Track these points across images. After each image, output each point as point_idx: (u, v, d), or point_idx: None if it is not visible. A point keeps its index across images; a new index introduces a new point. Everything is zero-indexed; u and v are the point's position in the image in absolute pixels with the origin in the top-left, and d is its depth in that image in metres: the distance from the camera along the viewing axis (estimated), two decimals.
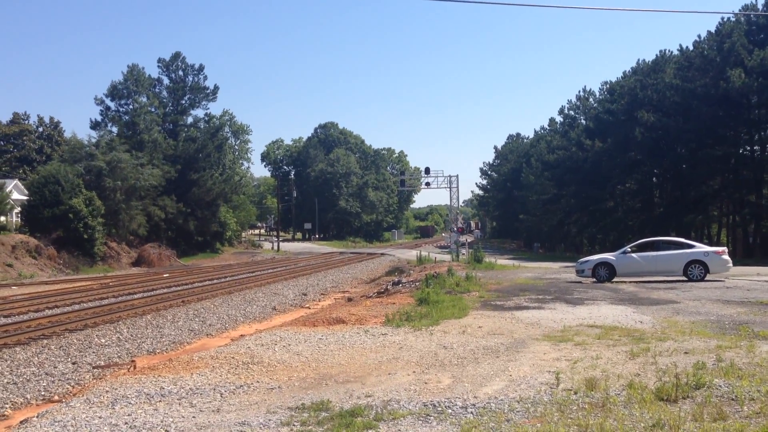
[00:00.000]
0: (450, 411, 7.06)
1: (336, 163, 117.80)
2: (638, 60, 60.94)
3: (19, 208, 49.92)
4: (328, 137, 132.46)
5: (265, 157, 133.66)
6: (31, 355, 14.26)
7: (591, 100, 68.68)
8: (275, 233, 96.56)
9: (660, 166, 53.99)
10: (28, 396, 11.43)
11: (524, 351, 10.45)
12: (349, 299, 25.16)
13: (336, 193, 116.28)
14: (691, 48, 52.08)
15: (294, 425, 6.78)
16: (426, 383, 8.52)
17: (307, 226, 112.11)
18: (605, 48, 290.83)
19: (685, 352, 9.74)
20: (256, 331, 16.32)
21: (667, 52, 56.96)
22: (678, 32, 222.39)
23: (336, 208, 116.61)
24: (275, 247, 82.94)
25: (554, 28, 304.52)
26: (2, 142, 76.07)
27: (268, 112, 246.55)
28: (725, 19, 48.90)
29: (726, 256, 23.42)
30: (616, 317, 13.95)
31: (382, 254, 66.57)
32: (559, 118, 76.55)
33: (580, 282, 23.56)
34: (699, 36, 52.96)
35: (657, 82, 52.57)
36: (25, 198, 49.15)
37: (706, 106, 45.87)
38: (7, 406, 10.83)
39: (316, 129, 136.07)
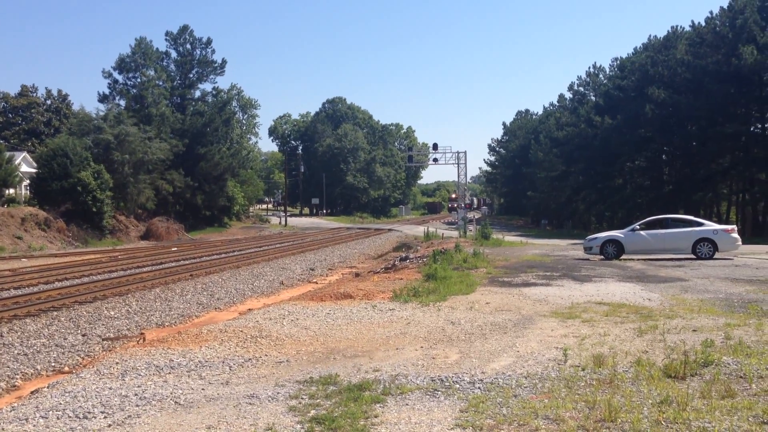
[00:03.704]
0: (458, 386, 7.09)
1: (344, 139, 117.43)
2: (649, 36, 60.54)
3: (28, 181, 50.03)
4: (336, 112, 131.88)
5: (272, 132, 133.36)
6: (41, 326, 14.38)
7: (601, 76, 68.15)
8: (283, 208, 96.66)
9: (670, 143, 53.60)
10: (39, 367, 11.53)
11: (532, 327, 10.46)
12: (357, 274, 25.22)
13: (343, 169, 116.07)
14: (703, 24, 51.43)
15: (302, 398, 6.82)
16: (434, 358, 8.55)
17: (315, 201, 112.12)
18: (616, 24, 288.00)
19: (694, 330, 9.74)
20: (264, 306, 16.40)
21: (678, 28, 56.41)
22: (690, 8, 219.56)
23: (343, 183, 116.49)
24: (283, 222, 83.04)
25: (565, 3, 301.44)
26: (10, 115, 76.05)
27: (275, 87, 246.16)
28: None
29: (735, 234, 23.31)
30: (624, 294, 13.94)
31: (390, 230, 66.59)
32: (568, 95, 76.10)
33: (588, 259, 23.54)
34: (711, 12, 52.36)
35: (668, 58, 52.04)
36: (34, 170, 49.25)
37: (717, 83, 45.42)
38: (17, 376, 10.94)
39: (324, 104, 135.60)
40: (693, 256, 22.57)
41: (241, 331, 11.06)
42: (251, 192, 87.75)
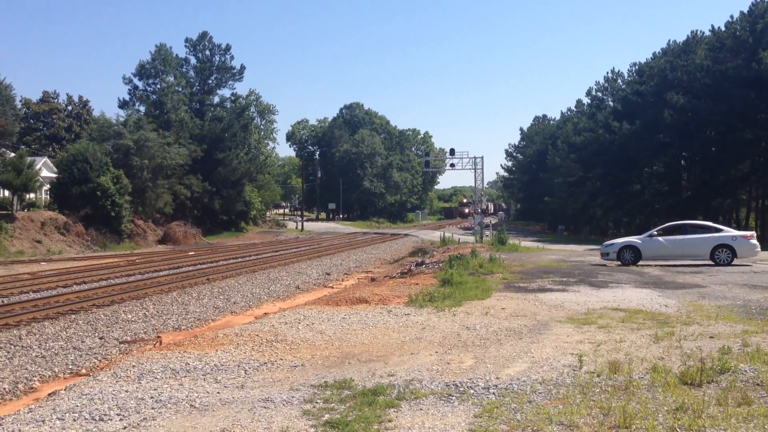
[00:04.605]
0: (472, 391, 7.08)
1: (361, 144, 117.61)
2: (669, 41, 60.02)
3: (48, 186, 50.52)
4: (353, 118, 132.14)
5: (290, 137, 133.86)
6: (59, 329, 14.51)
7: (619, 81, 67.77)
8: (299, 213, 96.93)
9: (689, 149, 53.20)
10: (56, 369, 11.64)
11: (547, 333, 10.42)
12: (372, 279, 25.24)
13: (360, 174, 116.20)
14: (723, 29, 51.06)
15: (317, 403, 6.84)
16: (448, 364, 8.54)
17: (331, 206, 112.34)
18: (635, 29, 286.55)
19: (711, 337, 9.66)
20: (280, 310, 16.47)
21: (698, 32, 55.99)
22: (710, 13, 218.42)
23: (360, 188, 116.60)
24: (299, 227, 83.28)
25: (584, 8, 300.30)
26: (32, 121, 76.95)
27: (293, 93, 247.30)
28: (758, 0, 47.88)
29: (754, 241, 23.09)
30: (641, 301, 13.85)
31: (406, 235, 66.59)
32: (586, 100, 75.74)
33: (605, 265, 23.40)
34: (731, 17, 51.96)
35: (687, 63, 51.68)
36: (54, 175, 49.75)
37: (737, 88, 45.02)
38: (35, 378, 11.05)
39: (341, 109, 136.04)
40: (711, 263, 22.37)
41: (257, 335, 11.10)
42: (268, 197, 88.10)
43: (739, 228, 39.54)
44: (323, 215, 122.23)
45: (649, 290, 15.77)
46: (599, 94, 71.42)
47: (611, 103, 66.69)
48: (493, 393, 6.98)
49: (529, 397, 6.76)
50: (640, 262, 23.06)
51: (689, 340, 9.36)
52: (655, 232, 23.83)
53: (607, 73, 71.21)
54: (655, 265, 22.62)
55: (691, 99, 48.78)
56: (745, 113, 45.78)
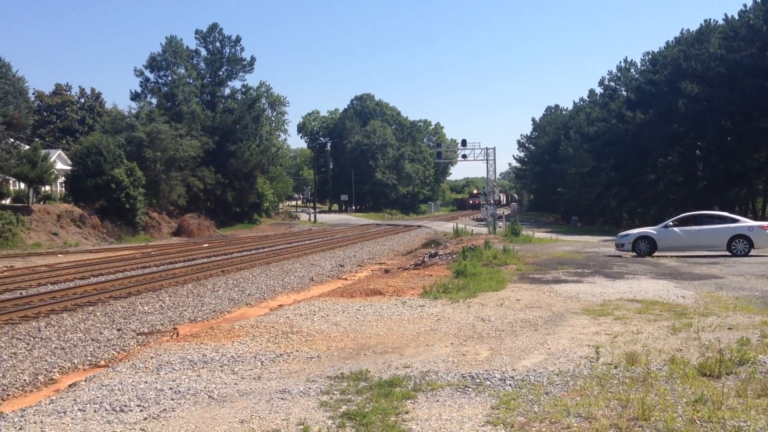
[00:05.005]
0: (488, 383, 7.08)
1: (372, 135, 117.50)
2: (682, 30, 59.37)
3: (63, 178, 50.92)
4: (365, 109, 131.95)
5: (301, 129, 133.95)
6: (77, 321, 14.63)
7: (632, 71, 67.16)
8: (312, 205, 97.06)
9: (703, 138, 52.72)
10: (76, 361, 11.75)
11: (563, 324, 10.40)
12: (386, 271, 25.25)
13: (372, 165, 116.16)
14: (736, 17, 50.48)
15: (333, 394, 6.87)
16: (464, 355, 8.55)
17: (344, 197, 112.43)
18: (648, 18, 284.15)
19: (729, 328, 9.60)
20: (295, 302, 16.52)
21: (711, 21, 55.35)
22: (723, 1, 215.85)
23: (372, 179, 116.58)
24: (312, 219, 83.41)
25: None
26: (45, 113, 77.31)
27: (304, 84, 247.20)
28: None
29: None
30: (657, 292, 13.78)
31: (419, 226, 66.55)
32: (599, 90, 75.10)
33: (620, 256, 23.30)
34: (745, 5, 51.13)
35: (701, 52, 51.17)
36: (69, 168, 50.10)
37: (751, 77, 44.57)
38: (55, 370, 11.16)
39: (352, 100, 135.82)
40: (728, 253, 22.22)
41: (273, 326, 11.15)
42: (280, 189, 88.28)
43: (755, 218, 39.23)
44: (336, 207, 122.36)
45: (666, 281, 15.69)
46: (612, 83, 70.85)
47: (624, 93, 66.12)
48: (510, 384, 6.99)
49: (546, 389, 6.76)
50: (655, 253, 22.94)
51: (707, 332, 9.31)
52: (671, 223, 23.70)
53: (620, 62, 70.72)
54: (671, 256, 22.50)
55: (705, 88, 48.34)
56: (761, 102, 45.31)
